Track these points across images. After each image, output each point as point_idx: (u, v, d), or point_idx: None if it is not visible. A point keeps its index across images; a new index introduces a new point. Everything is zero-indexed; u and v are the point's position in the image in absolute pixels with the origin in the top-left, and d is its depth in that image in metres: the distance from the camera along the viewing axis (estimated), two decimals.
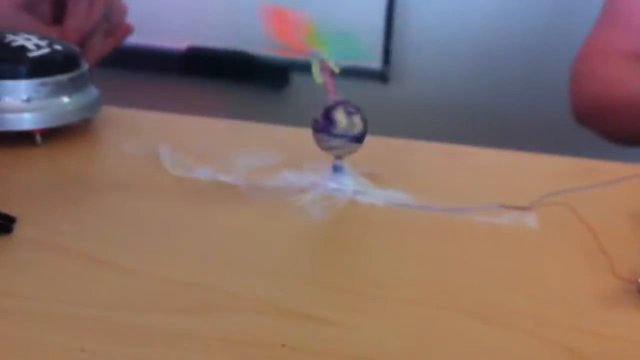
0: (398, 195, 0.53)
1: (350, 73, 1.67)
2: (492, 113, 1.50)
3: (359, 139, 0.52)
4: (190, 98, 1.70)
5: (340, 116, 0.51)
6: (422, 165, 0.60)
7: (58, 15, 0.73)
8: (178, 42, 1.63)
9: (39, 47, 0.59)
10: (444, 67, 1.53)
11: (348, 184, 0.53)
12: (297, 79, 1.61)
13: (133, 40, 1.68)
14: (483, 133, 1.51)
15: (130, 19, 1.65)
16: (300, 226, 0.48)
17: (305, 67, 1.65)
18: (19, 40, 0.59)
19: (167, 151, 0.57)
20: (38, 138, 0.58)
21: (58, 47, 0.60)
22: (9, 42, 0.58)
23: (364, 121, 0.52)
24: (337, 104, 0.52)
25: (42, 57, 0.58)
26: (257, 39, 1.56)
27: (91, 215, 0.48)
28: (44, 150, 0.58)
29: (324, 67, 0.52)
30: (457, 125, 1.52)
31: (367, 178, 0.55)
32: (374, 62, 1.54)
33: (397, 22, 1.52)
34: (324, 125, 0.52)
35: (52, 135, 0.59)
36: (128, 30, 0.80)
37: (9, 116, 0.57)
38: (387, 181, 0.55)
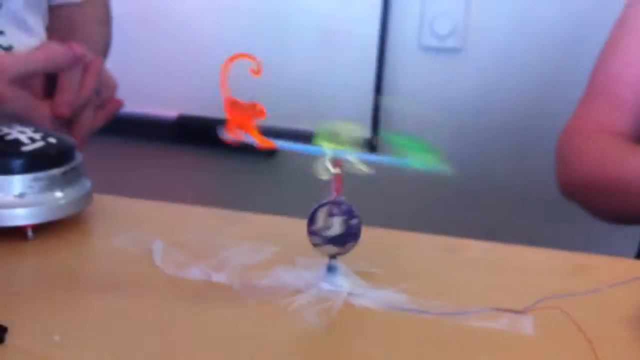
0: (394, 297, 0.52)
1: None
2: (482, 186, 1.51)
3: (355, 240, 0.52)
4: (181, 166, 1.70)
5: (337, 220, 0.51)
6: (417, 260, 0.59)
7: (50, 89, 0.74)
8: (169, 110, 1.64)
9: (33, 140, 0.58)
10: (431, 137, 1.55)
11: (343, 285, 0.53)
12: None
13: (124, 108, 1.70)
14: (471, 204, 1.53)
15: (122, 86, 1.67)
16: (294, 333, 0.48)
17: (294, 136, 1.66)
18: (13, 133, 0.59)
19: (159, 248, 0.57)
20: (29, 233, 0.57)
21: (52, 140, 0.60)
22: (3, 136, 0.58)
23: (358, 222, 0.52)
24: (332, 204, 0.52)
25: (36, 151, 0.58)
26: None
27: (83, 320, 0.48)
28: (34, 245, 0.57)
29: (337, 163, 0.51)
30: (447, 195, 1.53)
31: (362, 277, 0.55)
32: (363, 130, 1.55)
33: (386, 94, 1.54)
34: (323, 229, 0.51)
35: (43, 228, 0.59)
36: (118, 104, 0.81)
37: (0, 212, 0.56)
38: (383, 280, 0.55)
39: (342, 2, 1.51)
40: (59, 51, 0.72)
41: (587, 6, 1.39)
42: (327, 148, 0.51)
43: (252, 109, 0.53)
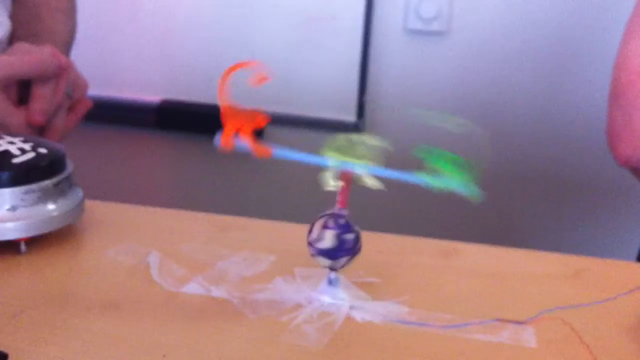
0: (395, 309, 0.52)
1: (325, 125, 1.68)
2: None
3: (350, 255, 0.51)
4: (164, 152, 1.69)
5: (330, 233, 0.50)
6: (417, 267, 0.59)
7: (22, 96, 0.72)
8: (152, 95, 1.62)
9: (23, 151, 0.57)
10: (415, 121, 1.55)
11: (343, 297, 0.52)
12: (270, 131, 1.60)
13: (106, 93, 1.67)
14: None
15: (103, 72, 1.64)
16: (295, 351, 0.47)
17: (278, 120, 1.66)
18: (3, 144, 0.57)
19: (156, 260, 0.56)
20: (23, 247, 0.56)
21: (43, 150, 0.58)
22: None
23: (357, 237, 0.51)
24: (330, 216, 0.51)
25: (27, 162, 0.56)
26: (231, 93, 1.58)
27: (79, 341, 0.47)
28: (28, 259, 0.56)
29: (344, 176, 0.50)
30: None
31: (362, 287, 0.54)
32: (348, 114, 1.54)
33: (371, 77, 1.54)
34: (316, 240, 0.51)
35: (37, 241, 0.58)
36: (88, 106, 0.79)
37: None
38: (383, 290, 0.54)
39: None
40: (46, 59, 0.70)
41: None
42: (333, 160, 0.49)
43: (252, 117, 0.52)
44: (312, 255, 0.51)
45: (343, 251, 0.51)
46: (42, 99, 0.71)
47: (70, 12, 0.97)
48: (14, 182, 0.56)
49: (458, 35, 1.48)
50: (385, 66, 1.53)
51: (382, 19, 1.50)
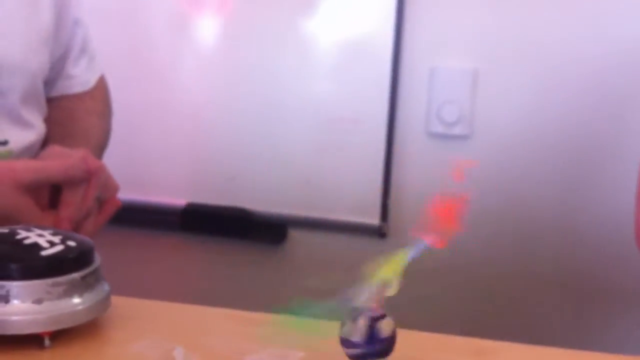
0: None
1: (348, 229, 1.66)
2: (496, 272, 1.49)
3: (385, 353, 0.50)
4: (190, 254, 1.68)
5: (365, 328, 0.49)
6: None
7: (53, 199, 0.72)
8: (177, 198, 1.63)
9: (52, 244, 0.57)
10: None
11: None
12: (294, 235, 1.60)
13: (133, 196, 1.69)
14: (485, 291, 1.50)
15: (131, 175, 1.66)
16: None
17: (302, 223, 1.64)
18: (32, 237, 0.57)
19: (181, 356, 0.55)
20: (47, 341, 0.55)
21: (72, 243, 0.58)
22: (22, 239, 0.57)
23: (393, 334, 0.50)
24: (366, 314, 0.50)
25: (55, 255, 0.56)
26: (254, 196, 1.59)
27: None
28: (51, 353, 0.55)
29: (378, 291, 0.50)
30: (459, 283, 1.50)
31: None
32: (372, 218, 1.54)
33: (394, 180, 1.54)
34: (351, 335, 0.50)
35: (61, 334, 0.57)
36: (116, 205, 0.78)
37: (16, 319, 0.54)
38: None
39: (350, 89, 1.52)
40: (74, 164, 0.71)
41: (597, 98, 1.40)
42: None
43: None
44: (346, 349, 0.50)
45: (380, 347, 0.49)
46: (71, 206, 0.71)
47: (106, 116, 0.99)
48: (41, 274, 0.55)
49: (480, 138, 1.49)
50: (408, 169, 1.54)
51: (405, 123, 1.52)
